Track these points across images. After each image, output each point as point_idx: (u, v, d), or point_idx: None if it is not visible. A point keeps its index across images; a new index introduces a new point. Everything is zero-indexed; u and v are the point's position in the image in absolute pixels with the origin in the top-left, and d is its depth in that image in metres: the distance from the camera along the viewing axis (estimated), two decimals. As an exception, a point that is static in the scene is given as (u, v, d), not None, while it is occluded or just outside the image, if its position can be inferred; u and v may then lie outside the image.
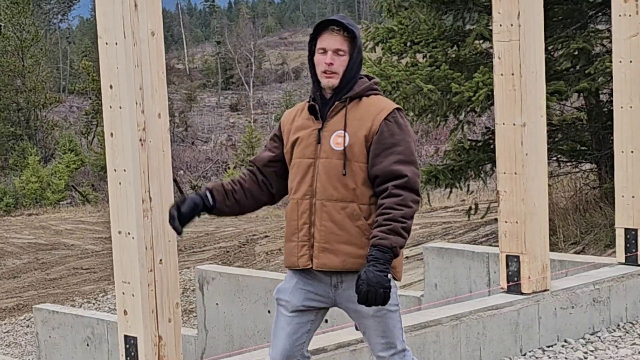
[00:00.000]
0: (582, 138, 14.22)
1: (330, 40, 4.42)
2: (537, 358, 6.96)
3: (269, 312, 8.72)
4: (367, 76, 4.55)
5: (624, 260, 8.17)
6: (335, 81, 4.42)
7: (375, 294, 4.18)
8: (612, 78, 8.55)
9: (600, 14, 13.86)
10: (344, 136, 4.37)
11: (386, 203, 4.27)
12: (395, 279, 4.44)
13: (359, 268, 4.33)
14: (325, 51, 4.43)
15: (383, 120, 4.37)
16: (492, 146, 13.18)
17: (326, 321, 8.03)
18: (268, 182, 4.61)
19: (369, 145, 4.36)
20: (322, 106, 4.46)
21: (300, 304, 4.50)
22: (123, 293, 5.10)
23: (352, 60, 4.44)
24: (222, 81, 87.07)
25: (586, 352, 7.08)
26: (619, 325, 7.68)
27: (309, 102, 4.53)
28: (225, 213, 4.63)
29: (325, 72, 4.42)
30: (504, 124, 7.07)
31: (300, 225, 4.42)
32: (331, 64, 4.40)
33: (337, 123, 4.41)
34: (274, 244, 20.78)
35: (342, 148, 4.36)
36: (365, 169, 4.36)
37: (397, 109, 4.43)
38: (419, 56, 13.81)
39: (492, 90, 8.10)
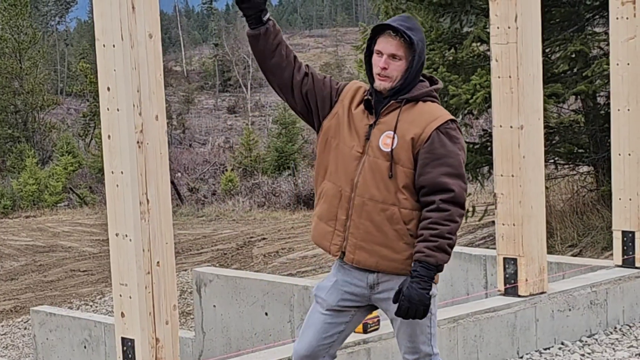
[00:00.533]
0: (579, 140, 14.23)
1: (386, 44, 4.39)
2: (534, 360, 6.97)
3: (266, 314, 8.72)
4: (430, 79, 4.54)
5: (621, 263, 8.18)
6: (387, 85, 4.40)
7: (415, 311, 4.24)
8: (609, 80, 8.56)
9: (597, 16, 13.87)
10: (393, 137, 4.35)
11: (433, 217, 4.26)
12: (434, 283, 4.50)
13: (392, 271, 4.38)
14: (381, 54, 4.41)
15: (435, 129, 4.34)
16: (489, 148, 13.19)
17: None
18: (298, 80, 4.50)
19: (415, 151, 4.33)
20: (377, 103, 4.44)
21: (335, 303, 4.52)
22: (120, 295, 5.10)
23: (410, 66, 4.40)
24: (220, 83, 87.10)
25: (583, 355, 7.09)
26: (616, 328, 7.68)
27: (365, 95, 4.50)
28: (262, 37, 4.40)
29: (379, 74, 4.41)
30: (501, 126, 7.07)
31: (339, 216, 4.43)
32: (385, 68, 4.39)
33: (389, 123, 4.39)
34: (272, 246, 20.79)
35: (389, 149, 4.34)
36: (410, 174, 4.34)
37: (452, 120, 4.40)
38: (417, 58, 13.80)
39: (489, 93, 8.11)
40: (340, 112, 4.49)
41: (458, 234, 4.74)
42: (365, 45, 4.53)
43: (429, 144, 4.32)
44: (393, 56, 4.38)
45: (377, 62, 4.41)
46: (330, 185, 4.46)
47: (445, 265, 4.29)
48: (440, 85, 4.59)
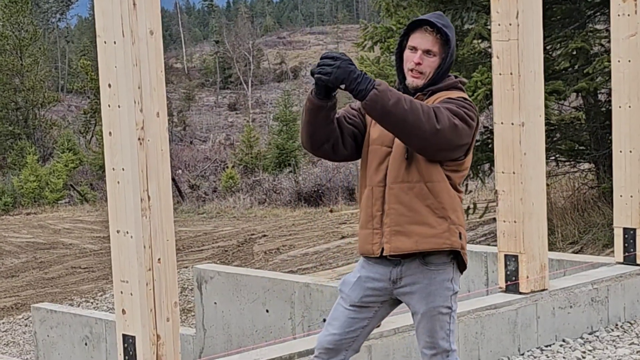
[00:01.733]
0: (580, 138, 14.24)
1: (422, 40, 4.41)
2: (535, 357, 6.96)
3: (267, 311, 8.72)
4: (455, 77, 4.57)
5: (622, 260, 8.18)
6: (420, 82, 4.44)
7: (328, 70, 4.10)
8: (610, 78, 8.56)
9: (598, 13, 13.87)
10: None
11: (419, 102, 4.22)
12: (461, 271, 4.56)
13: (432, 247, 4.38)
14: (415, 50, 4.42)
15: (445, 98, 4.38)
16: (490, 145, 13.19)
17: (324, 320, 8.02)
18: (339, 135, 4.46)
19: None
20: None
21: (357, 300, 4.55)
22: (121, 292, 5.10)
23: (443, 63, 4.44)
24: (221, 80, 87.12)
25: (584, 352, 7.08)
26: (617, 325, 7.68)
27: None
28: (325, 110, 4.31)
29: (412, 70, 4.43)
30: (502, 123, 7.07)
31: (375, 213, 4.44)
32: (419, 63, 4.41)
33: None
34: (272, 243, 20.78)
35: None
36: None
37: (465, 97, 4.43)
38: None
39: (490, 90, 8.12)
40: (369, 119, 4.48)
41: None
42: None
43: (436, 104, 4.35)
44: (428, 52, 4.41)
45: (411, 57, 4.43)
46: (366, 190, 4.50)
47: (374, 98, 4.10)
48: (465, 80, 4.62)
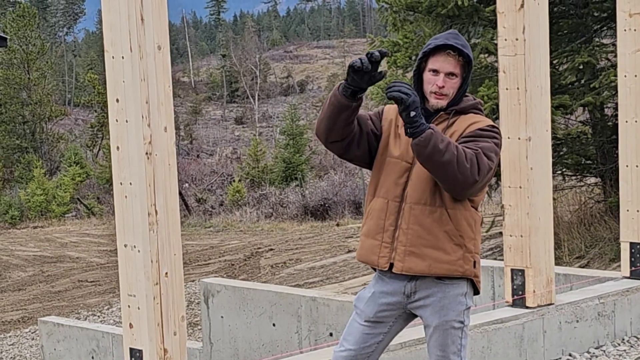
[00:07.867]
0: (587, 152, 14.24)
1: (444, 63, 4.45)
2: (542, 372, 6.96)
3: (273, 325, 8.72)
4: (473, 97, 4.63)
5: (628, 274, 8.18)
6: (444, 103, 4.47)
7: (406, 91, 4.16)
8: (617, 92, 8.57)
9: (605, 28, 13.89)
10: None
11: (462, 147, 4.28)
12: (476, 292, 4.57)
13: (444, 273, 4.41)
14: (437, 72, 4.45)
15: (476, 129, 4.43)
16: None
17: (330, 334, 8.03)
18: (358, 137, 4.50)
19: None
20: (426, 117, 4.47)
21: (372, 315, 4.57)
22: (129, 306, 5.11)
23: (464, 82, 4.49)
24: (228, 94, 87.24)
25: (591, 366, 7.09)
26: (623, 339, 7.68)
27: None
28: (349, 110, 4.34)
29: (435, 93, 4.46)
30: (509, 137, 7.08)
31: (387, 227, 4.46)
32: (443, 86, 4.45)
33: None
34: (279, 257, 20.78)
35: None
36: None
37: (493, 125, 4.49)
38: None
39: (497, 104, 8.13)
40: (386, 128, 4.54)
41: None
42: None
43: (468, 134, 4.41)
44: (450, 74, 4.45)
45: (433, 80, 4.46)
46: (379, 201, 4.51)
47: (423, 143, 4.17)
48: (480, 101, 4.67)
